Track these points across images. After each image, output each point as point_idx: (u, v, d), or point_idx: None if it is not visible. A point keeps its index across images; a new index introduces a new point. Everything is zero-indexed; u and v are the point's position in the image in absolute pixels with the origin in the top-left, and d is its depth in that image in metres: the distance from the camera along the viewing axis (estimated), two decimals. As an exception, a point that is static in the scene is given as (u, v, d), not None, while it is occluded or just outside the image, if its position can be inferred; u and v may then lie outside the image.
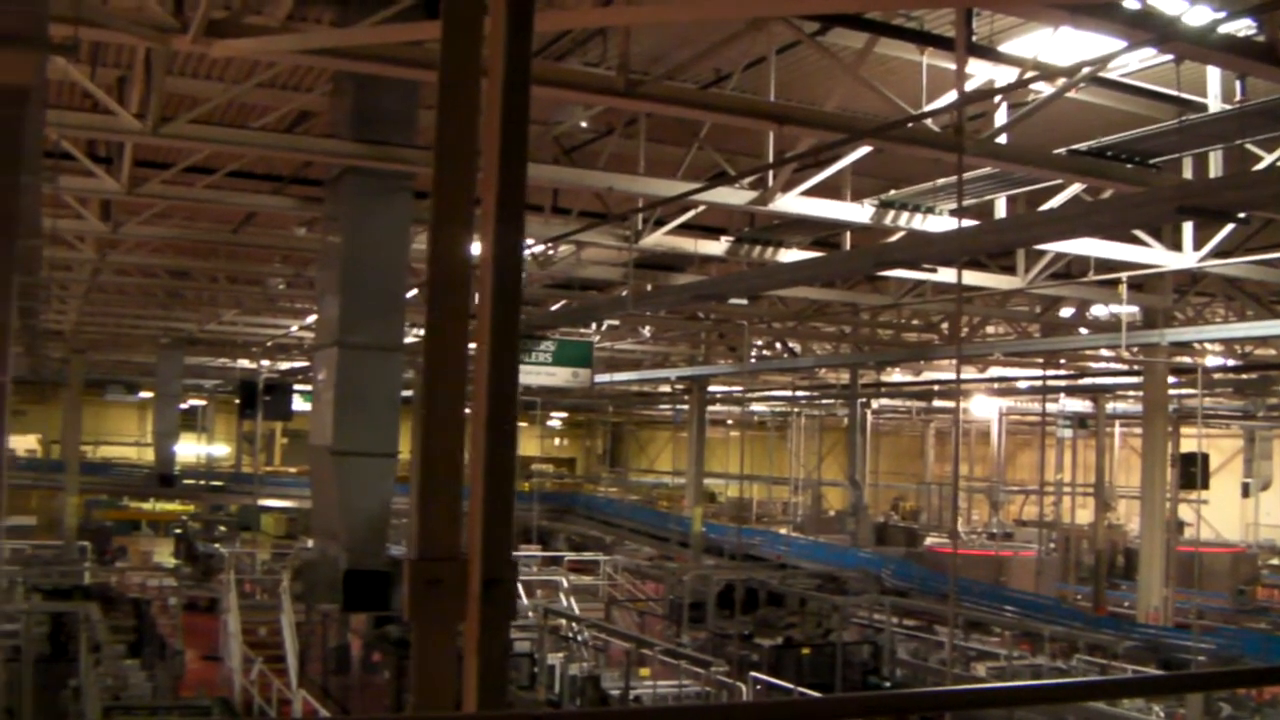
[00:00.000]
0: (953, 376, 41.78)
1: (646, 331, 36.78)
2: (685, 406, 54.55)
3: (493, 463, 4.16)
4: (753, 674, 24.29)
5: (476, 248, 4.79)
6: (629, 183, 16.94)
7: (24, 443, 70.12)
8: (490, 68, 4.03)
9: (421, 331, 20.29)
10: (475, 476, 4.21)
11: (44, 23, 8.22)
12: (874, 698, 8.30)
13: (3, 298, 8.81)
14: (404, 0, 11.90)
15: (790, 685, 23.89)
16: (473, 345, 4.16)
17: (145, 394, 62.98)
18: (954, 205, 17.72)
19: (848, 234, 21.21)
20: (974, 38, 13.09)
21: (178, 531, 55.89)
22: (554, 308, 30.27)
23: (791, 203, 17.10)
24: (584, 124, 17.81)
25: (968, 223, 18.06)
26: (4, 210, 8.75)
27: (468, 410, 4.53)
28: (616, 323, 33.73)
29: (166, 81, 14.64)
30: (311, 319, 35.54)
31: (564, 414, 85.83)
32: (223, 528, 54.12)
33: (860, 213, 17.78)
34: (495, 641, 4.00)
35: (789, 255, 21.71)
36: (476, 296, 4.40)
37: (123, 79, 16.70)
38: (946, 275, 22.13)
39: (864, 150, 16.00)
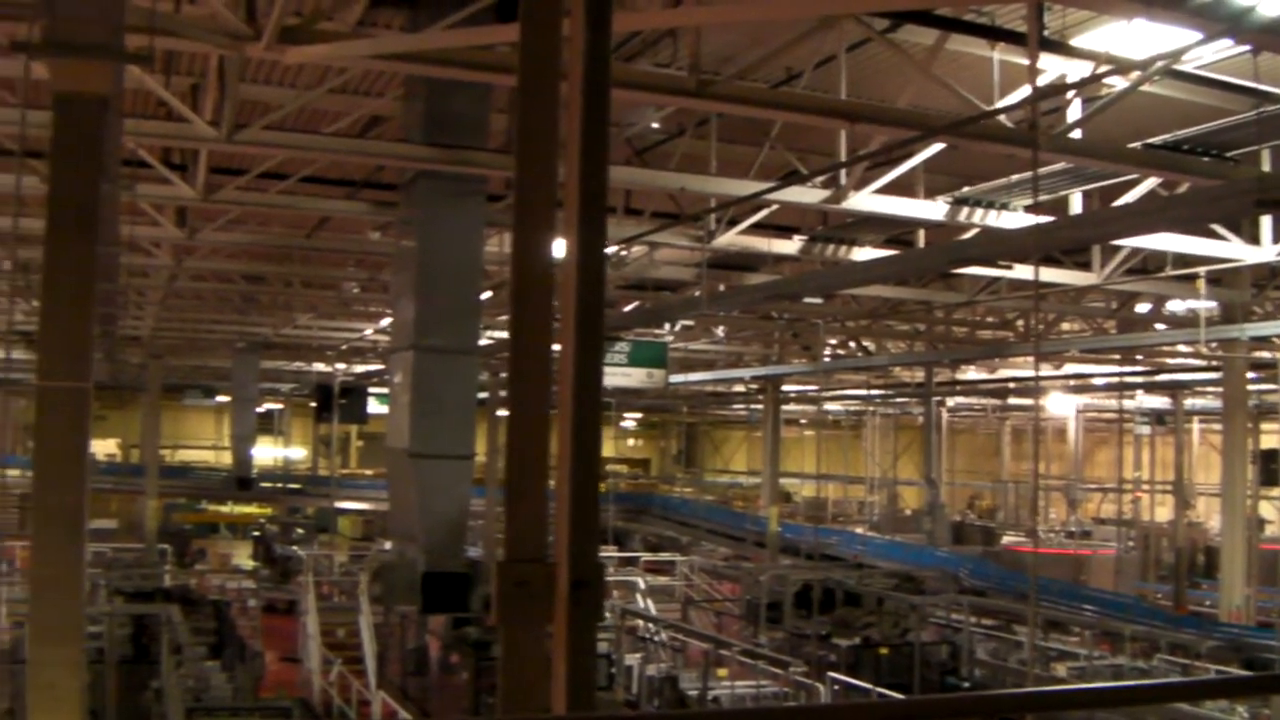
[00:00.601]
0: (1028, 373, 41.45)
1: (720, 331, 36.72)
2: (759, 406, 54.44)
3: (578, 464, 4.15)
4: (830, 674, 24.20)
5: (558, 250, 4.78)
6: (701, 183, 16.91)
7: (104, 447, 70.76)
8: (570, 70, 4.01)
9: (495, 334, 20.45)
10: (561, 479, 4.19)
11: (121, 33, 8.30)
12: (957, 699, 8.22)
13: (85, 306, 8.90)
14: (475, 4, 11.90)
15: (868, 685, 23.80)
16: (556, 346, 4.16)
17: (222, 398, 63.49)
18: (1028, 201, 17.58)
19: (921, 231, 21.09)
20: (1046, 32, 12.99)
21: (256, 534, 56.38)
22: (628, 309, 30.25)
23: (864, 201, 17.01)
24: (655, 125, 17.79)
25: (1043, 219, 17.88)
26: (86, 218, 8.84)
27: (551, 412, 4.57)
28: (690, 323, 33.71)
29: (239, 88, 14.75)
30: (386, 322, 35.72)
31: (638, 415, 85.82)
32: (300, 530, 54.55)
33: (934, 210, 17.66)
34: (583, 643, 3.99)
35: (862, 254, 21.60)
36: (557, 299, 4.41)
37: (196, 86, 16.82)
38: (1021, 272, 21.97)
39: (937, 147, 15.87)
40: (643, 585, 34.42)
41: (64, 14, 7.85)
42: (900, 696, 22.59)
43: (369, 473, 69.21)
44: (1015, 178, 17.16)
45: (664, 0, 13.84)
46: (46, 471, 8.80)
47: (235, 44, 11.57)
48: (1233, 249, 19.42)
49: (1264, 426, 42.87)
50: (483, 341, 22.11)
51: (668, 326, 32.67)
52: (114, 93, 9.09)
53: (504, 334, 34.60)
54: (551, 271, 4.11)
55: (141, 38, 9.89)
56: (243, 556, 54.61)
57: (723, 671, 25.08)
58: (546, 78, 4.05)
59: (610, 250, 22.87)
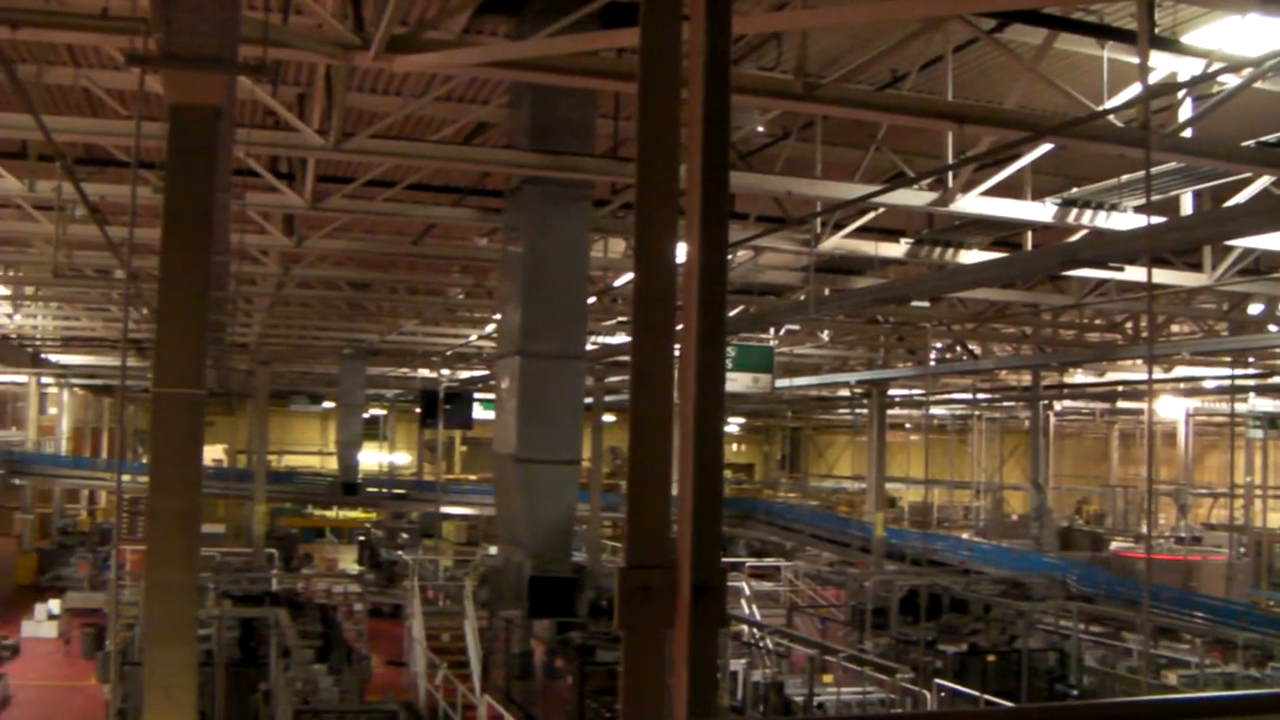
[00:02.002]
0: (1136, 376, 40.94)
1: (825, 335, 36.59)
2: (864, 410, 54.15)
3: (701, 468, 4.13)
4: (937, 681, 24.02)
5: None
6: (807, 186, 16.87)
7: (211, 452, 71.70)
8: (690, 73, 4.00)
9: (601, 339, 20.49)
10: (684, 483, 4.18)
11: (235, 46, 8.39)
12: (1070, 708, 8.12)
13: (199, 314, 9.01)
14: (580, 10, 11.94)
15: (975, 692, 23.59)
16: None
17: (327, 404, 64.09)
18: (1138, 202, 17.37)
19: (1029, 233, 20.91)
20: (1157, 29, 12.82)
21: (361, 539, 56.85)
22: (734, 313, 30.19)
23: (972, 203, 16.90)
24: (761, 129, 17.76)
25: (1155, 219, 17.65)
26: (201, 227, 8.95)
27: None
28: (796, 327, 33.62)
29: (346, 97, 14.90)
30: (490, 328, 35.95)
31: (741, 419, 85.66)
32: (405, 535, 54.94)
33: (1042, 211, 17.50)
34: (705, 649, 3.97)
35: (969, 256, 21.44)
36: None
37: (302, 96, 17.00)
38: (1132, 273, 21.70)
39: (1045, 148, 15.73)
40: (748, 591, 34.36)
41: (179, 27, 7.95)
42: (1008, 704, 22.39)
43: (473, 478, 69.67)
44: (1126, 178, 16.96)
45: (769, 4, 13.81)
46: (162, 477, 8.92)
47: (344, 54, 11.69)
48: (1349, 249, 19.09)
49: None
50: (589, 346, 22.12)
51: (773, 330, 32.58)
52: (227, 103, 9.20)
53: (608, 339, 34.81)
54: (674, 277, 4.11)
55: (253, 49, 10.02)
56: (348, 561, 55.09)
57: (828, 677, 24.94)
58: (667, 81, 4.04)
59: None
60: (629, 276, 25.80)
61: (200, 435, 9.16)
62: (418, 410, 52.25)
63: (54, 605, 41.69)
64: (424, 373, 52.49)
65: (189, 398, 8.87)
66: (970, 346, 39.28)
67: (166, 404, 8.86)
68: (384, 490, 57.78)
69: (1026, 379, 44.52)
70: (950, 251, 21.53)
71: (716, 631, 4.09)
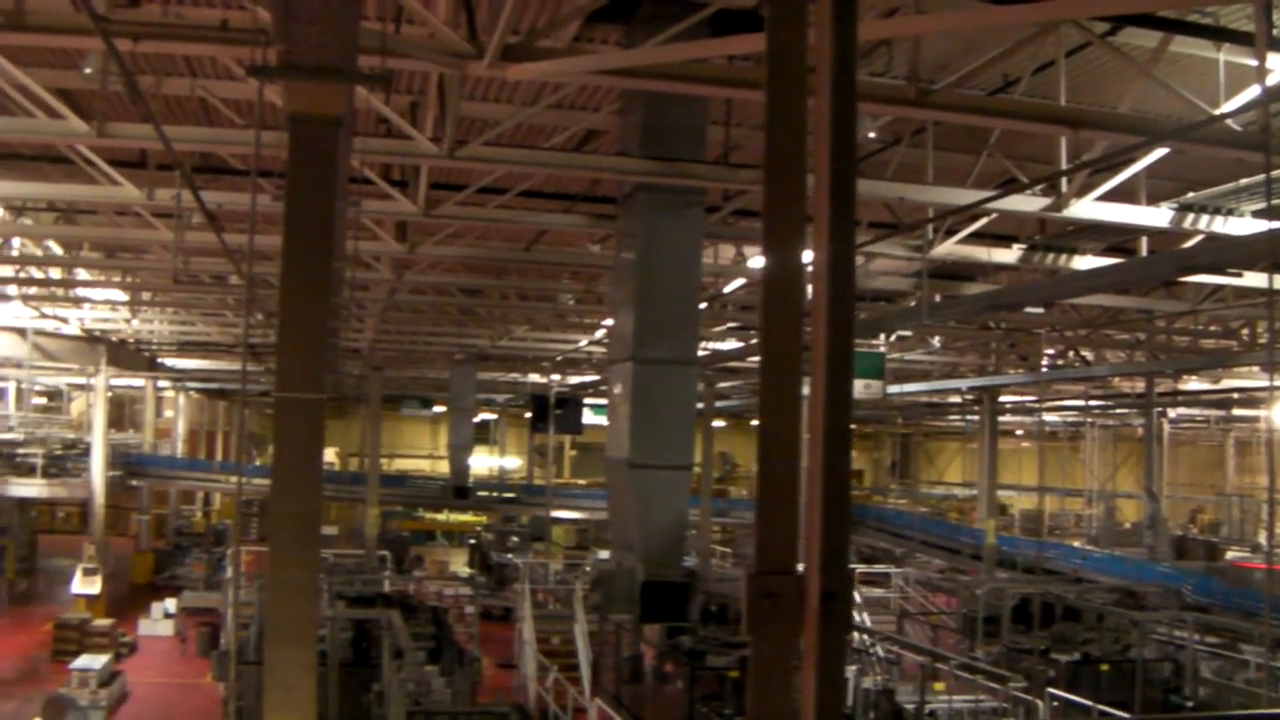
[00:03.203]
0: (1253, 384, 40.31)
1: (936, 341, 36.36)
2: (975, 417, 53.70)
3: (830, 475, 4.16)
4: (1050, 690, 23.76)
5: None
6: (919, 192, 16.80)
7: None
8: (817, 80, 4.03)
9: (713, 345, 20.50)
10: (813, 490, 4.20)
11: (354, 56, 8.52)
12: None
13: (319, 320, 9.15)
14: (690, 18, 11.99)
15: (1088, 702, 23.30)
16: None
17: (438, 408, 64.55)
18: (1257, 206, 17.13)
19: (1143, 239, 20.68)
20: (1275, 31, 12.65)
21: (471, 542, 57.20)
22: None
23: (1086, 208, 16.73)
24: (872, 134, 17.70)
25: (1275, 224, 17.38)
26: (322, 235, 9.09)
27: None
28: (907, 333, 33.45)
29: (459, 105, 15.07)
30: (600, 333, 36.06)
31: (851, 426, 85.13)
32: (515, 538, 55.22)
33: (1157, 216, 17.31)
34: (832, 656, 3.99)
35: (1083, 262, 21.24)
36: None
37: (414, 104, 17.18)
38: (1249, 279, 21.39)
39: (1160, 152, 15.56)
40: (858, 597, 34.17)
41: (300, 39, 8.08)
42: (1124, 715, 22.14)
43: (583, 482, 69.90)
44: (1244, 182, 16.74)
45: (881, 10, 13.78)
46: (284, 480, 9.06)
47: (459, 63, 11.83)
48: None
49: None
50: (701, 352, 22.15)
51: (884, 336, 32.43)
52: (346, 113, 9.33)
53: (718, 345, 34.83)
54: (803, 286, 4.14)
55: (370, 59, 10.16)
56: (459, 564, 55.47)
57: (940, 685, 24.72)
58: (793, 88, 4.08)
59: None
60: (739, 282, 25.97)
61: (321, 439, 9.30)
62: (528, 415, 52.47)
63: (170, 604, 42.38)
64: (534, 377, 52.74)
65: (310, 402, 9.01)
66: (1083, 353, 38.85)
67: (288, 408, 9.00)
68: (494, 494, 58.08)
69: (1140, 386, 43.92)
70: (1063, 257, 21.33)
71: (844, 638, 4.11)
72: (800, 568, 4.07)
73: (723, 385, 48.61)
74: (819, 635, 3.92)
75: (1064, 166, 15.97)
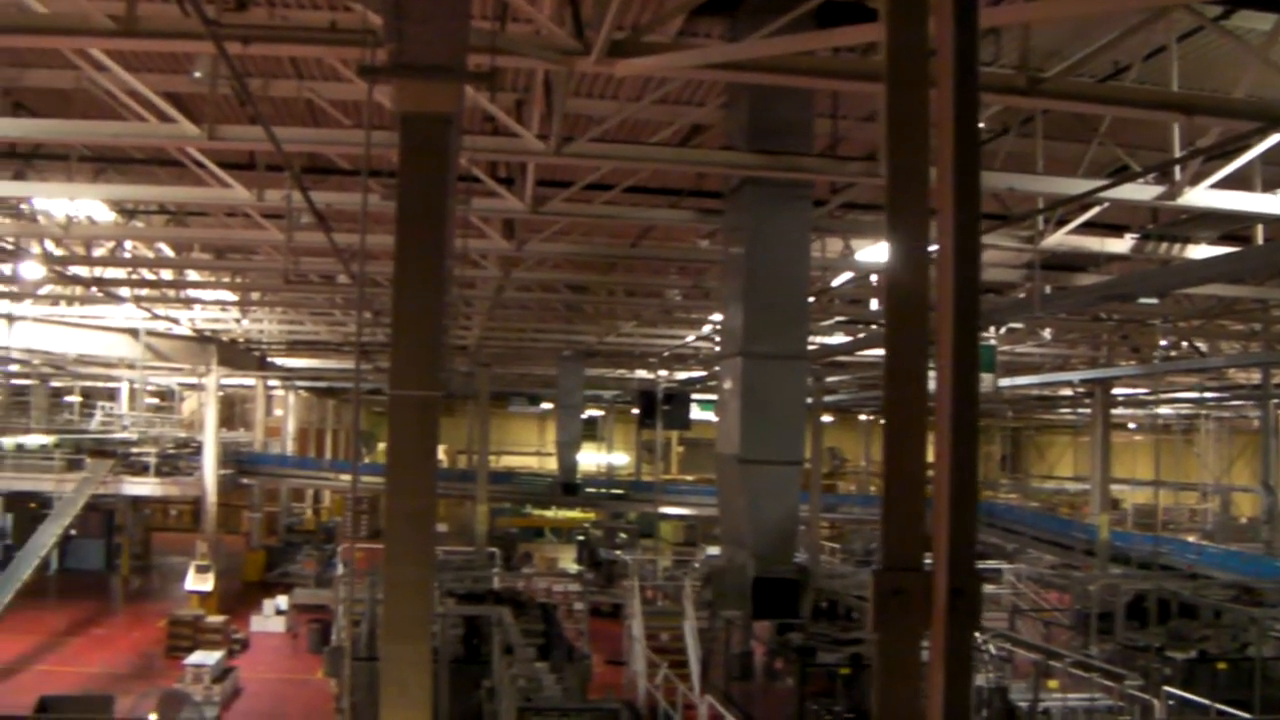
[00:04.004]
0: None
1: (1047, 334, 35.98)
2: (1086, 410, 53.06)
3: (957, 470, 4.10)
4: (1166, 688, 23.41)
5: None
6: (1029, 182, 16.60)
7: (433, 453, 72.81)
8: (939, 71, 3.97)
9: (821, 339, 20.37)
10: (939, 486, 4.14)
11: (464, 55, 8.54)
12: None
13: (433, 318, 9.19)
14: (795, 10, 11.92)
15: (1206, 701, 22.94)
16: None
17: (545, 405, 64.78)
18: (1379, 192, 16.77)
19: (1259, 227, 20.32)
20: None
21: (580, 538, 57.37)
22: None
23: (1200, 196, 16.44)
24: (980, 124, 17.49)
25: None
26: (434, 233, 9.13)
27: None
28: (1018, 325, 33.12)
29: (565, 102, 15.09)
30: (708, 328, 36.00)
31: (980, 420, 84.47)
32: (623, 535, 55.30)
33: (1274, 203, 16.98)
34: (960, 652, 3.93)
35: (1197, 251, 20.90)
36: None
37: (520, 102, 17.22)
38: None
39: (1276, 138, 15.24)
40: (972, 593, 33.80)
41: (411, 38, 8.11)
42: (1243, 715, 21.79)
43: (690, 478, 69.87)
44: (1366, 167, 16.41)
45: (988, -1, 13.63)
46: (399, 477, 9.11)
47: (566, 59, 11.83)
48: None
49: None
50: (810, 346, 22.03)
51: (993, 329, 32.12)
52: (456, 111, 9.36)
53: (826, 339, 34.67)
54: (927, 279, 4.08)
55: (477, 57, 10.18)
56: (567, 560, 55.66)
57: (1053, 683, 24.42)
58: (915, 83, 4.02)
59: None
60: (847, 276, 25.80)
61: (435, 437, 9.34)
62: (635, 411, 52.54)
63: (281, 601, 42.87)
64: (641, 373, 52.80)
65: (424, 400, 9.05)
66: (1197, 344, 38.25)
67: (402, 406, 9.05)
68: (602, 490, 58.20)
69: (1256, 377, 43.18)
70: (1177, 246, 21.01)
71: (972, 635, 4.05)
72: (927, 563, 4.03)
73: (830, 379, 48.40)
74: (947, 633, 3.86)
75: (1177, 154, 15.70)
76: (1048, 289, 24.84)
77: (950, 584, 3.90)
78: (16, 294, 33.22)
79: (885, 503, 4.16)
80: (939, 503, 4.09)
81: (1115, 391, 49.72)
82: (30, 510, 49.28)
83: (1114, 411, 54.48)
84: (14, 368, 49.40)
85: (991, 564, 44.07)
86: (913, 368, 4.17)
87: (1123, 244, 21.04)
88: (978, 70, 4.04)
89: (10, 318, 35.70)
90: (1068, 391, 54.12)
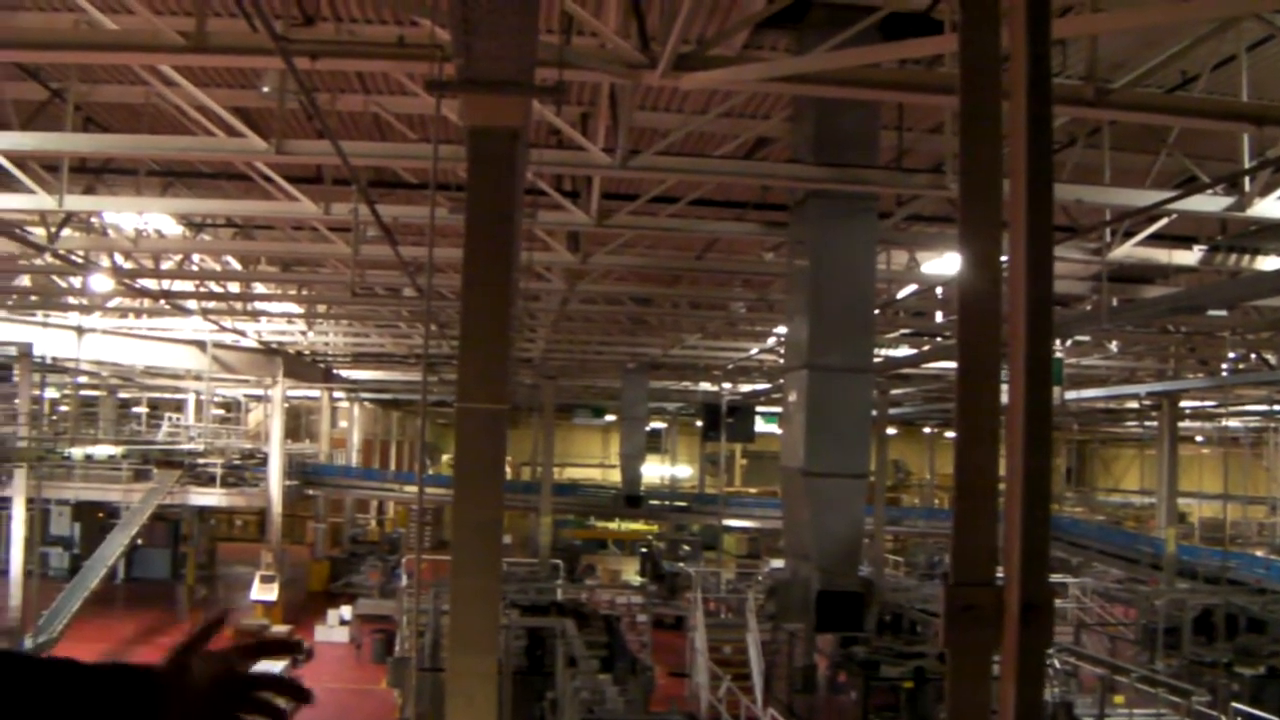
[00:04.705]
0: None
1: (1114, 346, 35.71)
2: (1153, 423, 52.60)
3: (1030, 482, 4.07)
4: (1234, 705, 23.18)
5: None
6: (1096, 194, 16.50)
7: (496, 465, 72.94)
8: (1013, 82, 3.97)
9: (886, 351, 20.32)
10: (1012, 500, 4.12)
11: (532, 69, 8.57)
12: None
13: (501, 331, 9.23)
14: (860, 23, 11.90)
15: (1275, 718, 22.71)
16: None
17: (609, 417, 64.81)
18: None
19: (1330, 237, 20.14)
20: None
21: (643, 550, 57.34)
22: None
23: (1270, 207, 16.29)
24: (1049, 136, 17.40)
25: None
26: (502, 246, 9.18)
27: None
28: (1085, 338, 32.89)
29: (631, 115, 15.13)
30: (771, 341, 35.95)
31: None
32: (686, 547, 55.24)
33: (1347, 215, 16.82)
34: (1033, 669, 3.90)
35: (1267, 262, 20.72)
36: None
37: (585, 115, 17.27)
38: None
39: (1349, 148, 15.13)
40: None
41: (479, 53, 8.15)
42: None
43: (754, 491, 69.70)
44: None
45: (1055, 8, 13.54)
46: (466, 488, 9.15)
47: (633, 73, 11.86)
48: None
49: None
50: (876, 359, 21.97)
51: (1059, 342, 31.90)
52: (523, 125, 9.41)
53: (891, 352, 34.55)
54: (1000, 291, 4.07)
55: (544, 71, 10.23)
56: (630, 572, 55.66)
57: (1119, 698, 24.26)
58: (988, 96, 4.02)
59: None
60: (912, 288, 25.71)
61: (503, 449, 9.39)
62: (699, 423, 52.51)
63: (345, 611, 43.10)
64: (705, 386, 52.74)
65: (491, 413, 9.09)
66: (1266, 355, 37.84)
67: (470, 419, 9.09)
68: (666, 503, 58.17)
69: (1326, 390, 42.70)
70: (1246, 258, 20.83)
71: (1045, 651, 4.02)
72: (999, 577, 4.01)
73: (895, 392, 48.21)
74: (1019, 648, 3.83)
75: (1247, 165, 15.57)
76: (1115, 301, 24.67)
77: (1023, 599, 3.88)
78: (86, 307, 33.61)
79: (956, 516, 4.13)
80: (1011, 516, 4.07)
81: (1182, 404, 49.27)
82: (98, 520, 49.86)
83: (1181, 424, 54.00)
84: (83, 379, 49.89)
85: (1057, 578, 43.75)
86: (985, 380, 4.16)
87: (1191, 256, 20.88)
88: (1050, 80, 4.03)
89: (80, 330, 36.15)
90: (1134, 404, 53.67)
